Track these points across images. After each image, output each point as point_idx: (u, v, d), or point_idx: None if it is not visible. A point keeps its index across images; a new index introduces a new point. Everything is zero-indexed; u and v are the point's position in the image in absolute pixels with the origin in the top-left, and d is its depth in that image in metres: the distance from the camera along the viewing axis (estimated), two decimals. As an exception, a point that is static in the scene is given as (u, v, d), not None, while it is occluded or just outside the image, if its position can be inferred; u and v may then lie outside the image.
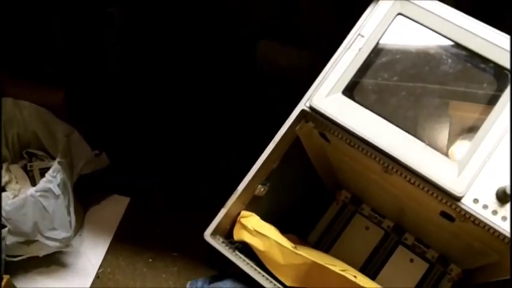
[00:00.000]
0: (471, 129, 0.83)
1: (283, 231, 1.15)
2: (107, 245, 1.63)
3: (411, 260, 1.28)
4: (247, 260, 0.88)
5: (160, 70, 1.84)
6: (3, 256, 1.34)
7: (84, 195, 1.67)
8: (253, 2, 1.60)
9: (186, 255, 1.60)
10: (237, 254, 0.88)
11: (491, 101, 0.83)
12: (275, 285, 0.85)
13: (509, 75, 0.83)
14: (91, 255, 1.61)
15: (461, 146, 0.83)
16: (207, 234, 0.87)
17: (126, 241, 1.64)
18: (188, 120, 1.82)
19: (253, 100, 1.78)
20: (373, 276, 1.29)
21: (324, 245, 1.34)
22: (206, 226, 0.90)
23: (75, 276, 1.57)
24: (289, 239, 1.17)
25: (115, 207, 1.70)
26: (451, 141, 0.84)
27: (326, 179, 1.27)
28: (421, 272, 1.27)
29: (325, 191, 1.35)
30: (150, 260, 1.60)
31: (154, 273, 1.58)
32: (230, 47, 1.75)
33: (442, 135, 0.84)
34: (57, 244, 1.45)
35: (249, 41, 1.67)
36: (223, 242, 0.90)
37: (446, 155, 0.82)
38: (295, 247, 0.89)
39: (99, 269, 1.58)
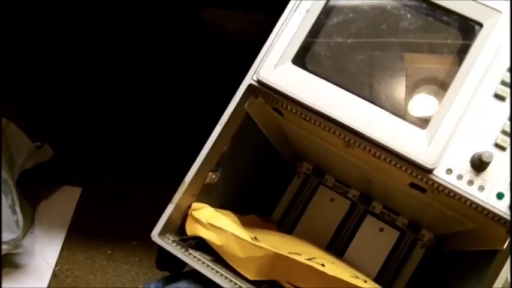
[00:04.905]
0: (437, 91, 0.75)
1: (245, 212, 1.07)
2: (62, 240, 1.54)
3: (381, 229, 1.22)
4: (202, 259, 0.79)
5: (103, 44, 1.71)
6: None
7: (32, 190, 1.57)
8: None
9: (147, 243, 1.51)
10: (190, 254, 0.79)
11: (457, 58, 0.75)
12: (235, 284, 0.77)
13: (476, 27, 0.74)
14: (45, 253, 1.53)
15: (427, 109, 0.75)
16: (155, 235, 0.78)
17: (81, 234, 1.55)
18: (134, 98, 1.72)
19: (200, 75, 1.69)
20: (343, 249, 1.23)
21: (289, 221, 1.27)
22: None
23: (30, 277, 1.49)
24: (250, 220, 1.10)
25: (66, 199, 1.61)
26: (416, 105, 0.76)
27: (285, 153, 1.18)
28: (392, 241, 1.21)
29: (285, 164, 1.27)
30: (109, 251, 1.53)
31: (114, 265, 1.51)
32: (173, 18, 1.64)
33: (406, 100, 0.76)
34: (4, 247, 1.36)
35: (192, 10, 1.56)
36: (174, 242, 0.80)
37: (412, 123, 0.74)
38: (255, 238, 0.80)
39: (55, 267, 1.50)
